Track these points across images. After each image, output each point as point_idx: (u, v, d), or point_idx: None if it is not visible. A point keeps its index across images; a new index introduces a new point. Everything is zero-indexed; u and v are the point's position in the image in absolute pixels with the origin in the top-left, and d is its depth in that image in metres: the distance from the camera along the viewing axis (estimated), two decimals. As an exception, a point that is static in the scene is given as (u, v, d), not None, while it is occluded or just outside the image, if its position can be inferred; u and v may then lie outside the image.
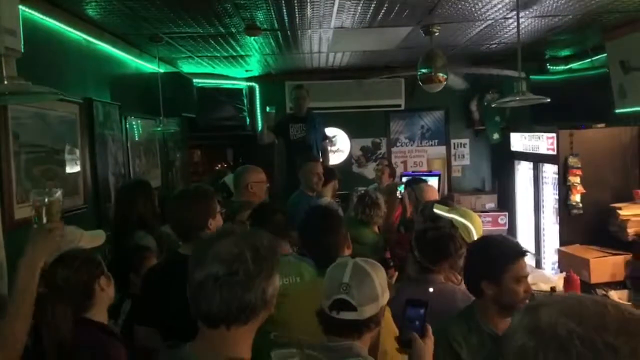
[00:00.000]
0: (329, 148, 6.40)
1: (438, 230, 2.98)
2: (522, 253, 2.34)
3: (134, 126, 5.16)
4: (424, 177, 5.94)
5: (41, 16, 3.44)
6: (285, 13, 4.09)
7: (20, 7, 2.87)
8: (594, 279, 4.71)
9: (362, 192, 4.85)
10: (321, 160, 5.62)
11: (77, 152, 3.85)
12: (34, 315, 1.99)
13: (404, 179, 6.52)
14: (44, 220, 1.96)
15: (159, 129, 5.46)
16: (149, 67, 5.62)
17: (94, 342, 2.13)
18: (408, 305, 1.84)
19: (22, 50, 2.71)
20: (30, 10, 3.25)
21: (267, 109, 5.80)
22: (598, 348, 0.74)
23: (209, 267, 1.39)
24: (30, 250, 1.91)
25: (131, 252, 3.11)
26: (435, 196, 4.58)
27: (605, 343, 0.74)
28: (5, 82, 1.65)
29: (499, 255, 2.30)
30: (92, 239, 2.71)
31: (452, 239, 2.94)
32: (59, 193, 2.01)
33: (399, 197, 4.75)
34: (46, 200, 1.97)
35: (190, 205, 2.63)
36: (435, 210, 3.39)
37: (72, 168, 3.76)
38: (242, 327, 1.42)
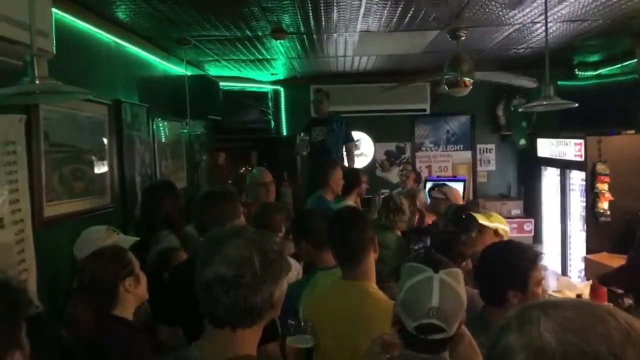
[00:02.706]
0: (354, 151, 6.37)
1: (451, 233, 3.03)
2: (540, 254, 2.35)
3: (161, 128, 5.22)
4: (449, 182, 5.92)
5: (72, 18, 3.50)
6: (311, 16, 4.11)
7: (53, 9, 2.94)
8: (622, 288, 4.63)
9: (386, 195, 4.84)
10: (346, 162, 5.67)
11: (105, 152, 3.91)
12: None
13: (429, 184, 6.50)
14: None
15: (185, 130, 5.52)
16: (177, 69, 5.68)
17: (118, 336, 2.17)
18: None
19: (54, 52, 2.78)
20: (62, 13, 3.31)
21: (300, 135, 5.85)
22: None
23: (216, 268, 1.39)
24: None
25: (162, 252, 3.14)
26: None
27: (615, 356, 0.73)
28: (37, 82, 1.69)
29: (524, 261, 2.29)
30: (124, 242, 2.75)
31: (461, 242, 2.98)
32: None
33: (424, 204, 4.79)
34: None
35: (216, 206, 2.66)
36: (481, 222, 3.38)
37: (100, 168, 3.82)
38: (247, 329, 1.42)
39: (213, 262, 1.40)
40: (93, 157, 3.72)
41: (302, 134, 5.90)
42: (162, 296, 2.67)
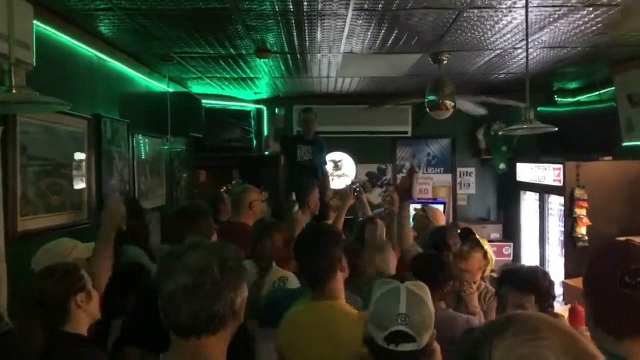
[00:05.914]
0: (331, 172, 6.41)
1: (430, 258, 3.05)
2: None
3: (142, 144, 5.18)
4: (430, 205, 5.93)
5: (54, 32, 3.47)
6: (295, 36, 4.13)
7: (35, 22, 2.92)
8: (599, 313, 4.65)
9: (361, 221, 4.80)
10: (324, 184, 5.67)
11: (84, 167, 3.85)
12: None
13: (411, 206, 6.50)
14: None
15: (166, 147, 5.48)
16: (159, 86, 5.66)
17: (73, 351, 2.10)
18: None
19: (34, 64, 2.75)
20: (44, 26, 3.29)
21: (277, 110, 5.87)
22: None
23: (177, 278, 1.43)
24: None
25: (129, 268, 3.07)
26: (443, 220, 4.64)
27: None
28: (14, 92, 1.66)
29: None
30: (87, 250, 2.69)
31: (441, 267, 2.98)
32: None
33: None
34: None
35: (197, 222, 2.62)
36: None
37: (78, 183, 3.76)
38: (212, 337, 1.46)
39: (174, 273, 1.44)
40: (71, 172, 3.67)
41: (277, 111, 5.92)
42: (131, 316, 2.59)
